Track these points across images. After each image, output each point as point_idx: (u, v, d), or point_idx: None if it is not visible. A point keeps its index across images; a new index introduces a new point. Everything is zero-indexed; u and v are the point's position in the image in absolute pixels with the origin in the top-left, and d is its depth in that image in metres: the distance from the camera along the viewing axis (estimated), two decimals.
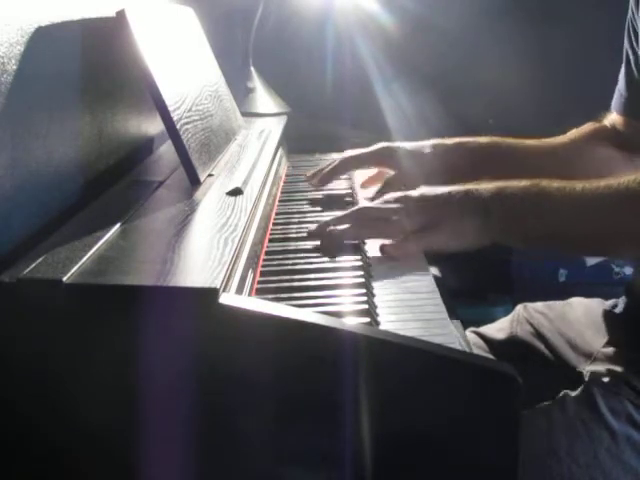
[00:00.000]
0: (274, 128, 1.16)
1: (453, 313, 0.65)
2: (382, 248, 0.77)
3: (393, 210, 0.77)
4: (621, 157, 0.96)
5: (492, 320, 1.04)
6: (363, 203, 0.81)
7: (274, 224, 0.86)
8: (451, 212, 0.75)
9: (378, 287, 0.70)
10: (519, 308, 1.02)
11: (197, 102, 0.85)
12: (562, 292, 1.04)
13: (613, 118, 0.99)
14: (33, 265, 0.52)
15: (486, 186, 0.75)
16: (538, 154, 0.98)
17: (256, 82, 1.37)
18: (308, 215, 0.91)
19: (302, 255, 0.76)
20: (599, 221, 0.71)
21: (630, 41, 0.92)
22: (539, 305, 1.00)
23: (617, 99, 0.97)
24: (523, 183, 0.73)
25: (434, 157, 0.96)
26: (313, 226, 0.81)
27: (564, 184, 0.72)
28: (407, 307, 0.66)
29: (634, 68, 0.92)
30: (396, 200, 0.78)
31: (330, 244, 0.78)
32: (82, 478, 0.53)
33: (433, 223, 0.75)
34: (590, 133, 1.00)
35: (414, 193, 0.78)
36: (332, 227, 0.79)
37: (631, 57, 0.92)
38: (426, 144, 0.98)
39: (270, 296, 0.65)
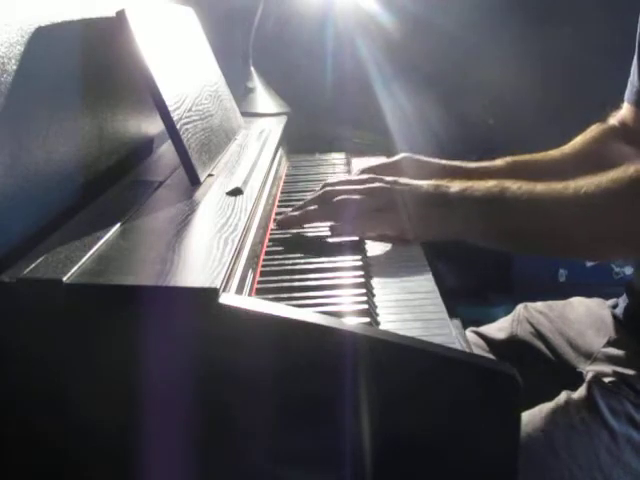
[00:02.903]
0: (274, 128, 1.15)
1: (453, 313, 0.65)
2: (331, 228, 0.79)
3: (357, 190, 0.79)
4: (633, 154, 0.96)
5: (492, 320, 1.04)
6: (328, 186, 0.83)
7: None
8: (415, 200, 0.77)
9: (378, 287, 0.70)
10: (519, 308, 1.02)
11: (197, 102, 0.85)
12: (562, 292, 1.04)
13: (623, 113, 0.99)
14: (33, 265, 0.52)
15: (456, 183, 0.77)
16: (552, 168, 0.98)
17: (256, 82, 1.37)
18: None
19: (302, 255, 0.76)
20: (553, 222, 0.72)
21: None
22: (539, 305, 1.00)
23: (630, 90, 0.97)
24: (489, 183, 0.75)
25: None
26: (280, 217, 0.84)
27: (527, 185, 0.73)
28: (407, 307, 0.66)
29: None
30: (367, 180, 0.81)
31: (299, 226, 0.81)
32: (83, 478, 0.53)
33: (394, 206, 0.77)
34: (597, 135, 1.00)
35: (387, 177, 0.81)
36: (298, 212, 0.82)
37: None
38: (444, 163, 0.98)
39: (270, 296, 0.65)
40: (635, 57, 0.95)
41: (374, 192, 0.79)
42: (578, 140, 1.01)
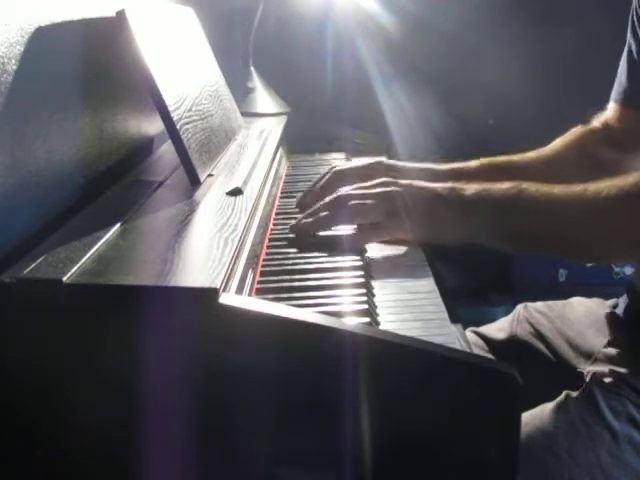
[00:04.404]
0: (274, 128, 1.16)
1: (453, 313, 0.65)
2: (348, 238, 0.79)
3: (371, 195, 0.79)
4: (615, 155, 0.96)
5: (492, 320, 1.04)
6: (342, 190, 0.82)
7: (274, 224, 0.86)
8: (429, 203, 0.77)
9: (378, 287, 0.70)
10: (519, 308, 1.01)
11: (197, 102, 0.85)
12: (562, 292, 1.04)
13: (607, 115, 1.00)
14: (33, 265, 0.52)
15: (471, 185, 0.77)
16: (529, 169, 0.97)
17: (256, 82, 1.37)
18: None
19: (302, 255, 0.76)
20: (572, 224, 0.72)
21: (634, 30, 0.93)
22: (539, 305, 1.00)
23: (616, 89, 0.97)
24: (505, 185, 0.75)
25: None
26: (294, 221, 0.83)
27: (544, 187, 0.73)
28: (407, 307, 0.66)
29: (636, 57, 0.92)
30: (380, 184, 0.80)
31: (310, 234, 0.80)
32: (82, 478, 0.53)
33: (408, 210, 0.77)
34: (578, 137, 1.00)
35: (402, 181, 0.80)
36: (310, 219, 0.81)
37: (633, 47, 0.93)
38: (418, 166, 0.97)
39: (270, 296, 0.65)
40: (624, 56, 0.95)
41: (388, 196, 0.78)
42: (558, 142, 1.01)
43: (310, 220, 0.81)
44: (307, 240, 0.80)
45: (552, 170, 0.96)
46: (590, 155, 0.97)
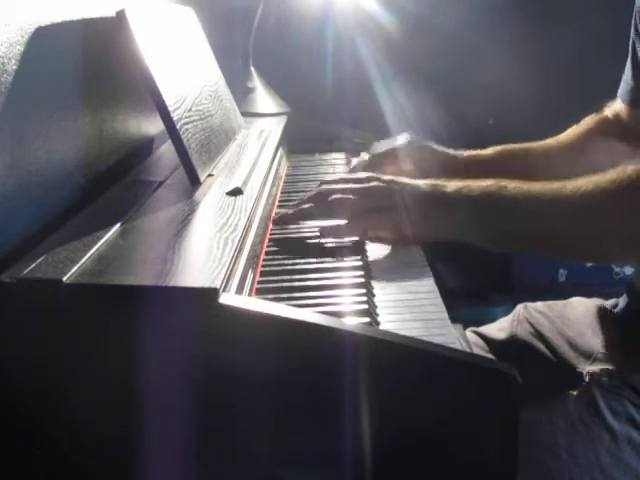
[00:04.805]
0: (274, 128, 1.16)
1: (453, 313, 0.65)
2: (321, 230, 0.79)
3: (352, 190, 0.79)
4: (624, 149, 0.96)
5: (492, 320, 1.04)
6: (324, 185, 0.83)
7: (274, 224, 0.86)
8: (412, 200, 0.76)
9: (378, 287, 0.70)
10: (519, 308, 1.02)
11: (197, 102, 0.85)
12: (562, 292, 1.04)
13: (617, 108, 1.00)
14: (33, 265, 0.52)
15: (453, 183, 0.77)
16: (543, 157, 0.98)
17: (256, 82, 1.37)
18: None
19: (302, 255, 0.76)
20: (550, 222, 0.72)
21: (636, 30, 0.93)
22: (539, 305, 1.00)
23: (623, 88, 0.98)
24: (485, 183, 0.75)
25: (444, 167, 0.97)
26: (277, 214, 0.84)
27: (524, 184, 0.73)
28: (407, 307, 0.66)
29: None
30: (363, 179, 0.81)
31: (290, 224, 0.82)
32: (82, 478, 0.53)
33: (390, 206, 0.76)
34: (592, 127, 1.01)
35: (384, 176, 0.81)
36: (293, 210, 0.82)
37: (637, 46, 0.93)
38: (446, 151, 1.00)
39: (270, 296, 0.65)
40: (629, 55, 0.95)
41: (370, 192, 0.78)
42: (573, 130, 1.01)
43: (292, 211, 0.82)
44: (308, 242, 0.80)
45: (566, 158, 0.97)
46: (602, 145, 0.98)
